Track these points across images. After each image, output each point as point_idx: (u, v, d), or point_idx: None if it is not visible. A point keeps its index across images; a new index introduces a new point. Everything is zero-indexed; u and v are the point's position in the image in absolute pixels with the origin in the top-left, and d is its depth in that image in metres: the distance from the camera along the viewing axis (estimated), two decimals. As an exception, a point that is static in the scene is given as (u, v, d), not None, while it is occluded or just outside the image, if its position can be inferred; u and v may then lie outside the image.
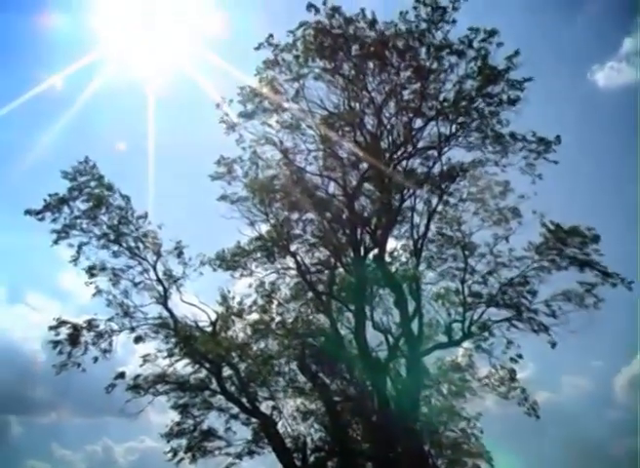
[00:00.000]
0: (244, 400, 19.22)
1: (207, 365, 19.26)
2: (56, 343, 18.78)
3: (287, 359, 19.48)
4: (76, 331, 18.85)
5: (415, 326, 18.82)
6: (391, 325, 19.51)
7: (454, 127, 19.10)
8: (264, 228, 19.31)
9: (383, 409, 18.44)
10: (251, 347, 19.33)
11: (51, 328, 18.88)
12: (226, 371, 19.32)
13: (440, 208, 19.51)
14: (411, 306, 18.94)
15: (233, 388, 19.33)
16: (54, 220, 18.67)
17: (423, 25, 18.80)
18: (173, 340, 19.16)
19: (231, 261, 19.18)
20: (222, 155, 19.02)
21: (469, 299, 19.12)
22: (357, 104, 19.05)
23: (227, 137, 19.26)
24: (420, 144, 19.31)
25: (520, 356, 17.94)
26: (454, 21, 18.76)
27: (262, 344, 19.47)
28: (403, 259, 19.66)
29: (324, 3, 18.72)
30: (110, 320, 19.00)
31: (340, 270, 19.58)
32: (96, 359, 18.91)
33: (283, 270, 19.69)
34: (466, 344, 19.46)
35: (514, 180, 19.68)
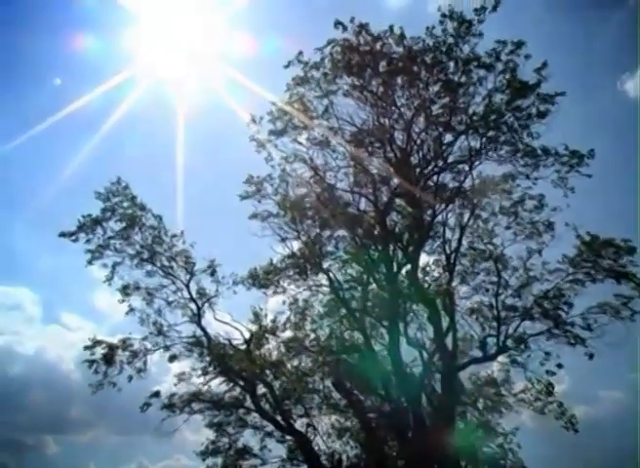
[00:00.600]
0: (279, 417, 19.92)
1: (241, 383, 20.02)
2: (91, 363, 19.64)
3: (321, 376, 20.19)
4: (111, 350, 19.71)
5: (449, 341, 19.43)
6: (425, 340, 20.13)
7: (484, 141, 19.73)
8: (296, 245, 20.08)
9: (419, 425, 18.99)
10: (285, 365, 20.06)
11: (86, 347, 19.76)
12: (261, 389, 20.07)
13: (472, 222, 20.14)
14: (445, 321, 19.54)
15: (268, 406, 20.05)
16: (88, 241, 19.58)
17: (450, 40, 19.50)
18: (207, 359, 19.95)
19: (264, 279, 19.96)
20: (251, 174, 19.80)
21: (503, 313, 19.68)
22: (386, 120, 19.78)
23: (256, 156, 20.06)
24: (451, 159, 19.96)
25: (560, 366, 18.35)
26: (480, 34, 19.45)
27: (296, 361, 20.22)
28: (436, 274, 20.32)
29: (351, 21, 19.49)
30: (144, 339, 19.86)
31: (373, 286, 20.26)
32: (130, 378, 19.76)
33: (316, 287, 20.44)
34: (501, 358, 20.00)
35: (546, 193, 20.26)
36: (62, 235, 19.50)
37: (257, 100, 19.25)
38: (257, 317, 20.47)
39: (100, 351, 19.71)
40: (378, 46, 19.68)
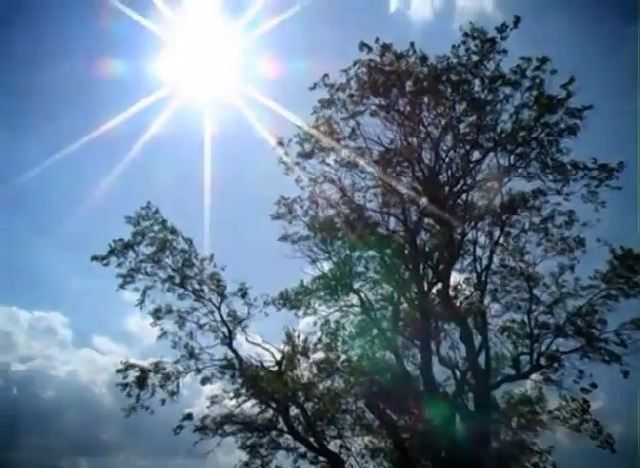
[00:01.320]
0: (312, 439, 20.85)
1: (274, 404, 20.98)
2: (124, 386, 20.71)
3: (354, 397, 21.08)
4: (143, 373, 20.77)
5: (482, 359, 20.28)
6: (458, 359, 20.92)
7: (512, 158, 20.63)
8: (327, 266, 21.03)
9: (453, 444, 19.76)
10: (317, 386, 21.00)
11: (118, 370, 20.85)
12: (293, 411, 21.00)
13: (502, 239, 20.99)
14: (477, 340, 20.41)
15: (301, 427, 20.98)
16: (119, 265, 20.66)
17: (475, 58, 20.43)
18: (239, 381, 20.94)
19: (295, 300, 20.94)
20: (282, 195, 20.85)
21: (536, 331, 20.53)
22: (414, 139, 20.75)
23: (283, 178, 21.11)
24: (480, 177, 20.88)
25: (594, 385, 19.10)
26: (504, 51, 20.36)
27: (329, 382, 21.14)
28: (467, 293, 21.18)
29: (375, 41, 20.52)
30: (176, 362, 20.91)
31: (404, 306, 21.16)
32: (163, 401, 20.79)
33: (347, 307, 21.37)
34: (535, 376, 20.79)
35: (577, 208, 21.06)
36: (94, 259, 20.62)
37: (283, 123, 20.31)
38: (288, 338, 21.44)
39: (132, 374, 20.77)
40: (403, 65, 20.66)
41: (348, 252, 21.02)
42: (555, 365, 20.24)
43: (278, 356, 21.19)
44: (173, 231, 21.02)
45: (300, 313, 21.41)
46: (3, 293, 41.06)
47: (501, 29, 20.04)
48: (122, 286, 20.60)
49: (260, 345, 21.16)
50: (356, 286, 21.07)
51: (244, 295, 21.06)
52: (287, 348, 21.46)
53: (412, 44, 20.31)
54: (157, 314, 20.82)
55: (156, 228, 20.97)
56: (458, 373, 20.89)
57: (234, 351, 20.99)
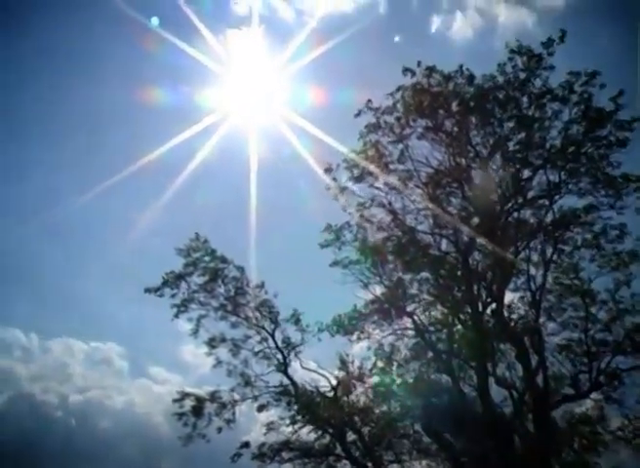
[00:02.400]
0: (369, 464, 22.29)
1: (330, 430, 22.43)
2: (180, 415, 22.28)
3: (410, 420, 22.42)
4: (199, 402, 22.38)
5: (539, 379, 21.45)
6: (515, 379, 22.20)
7: (563, 174, 21.90)
8: (379, 290, 22.45)
9: (513, 467, 20.94)
10: (373, 410, 22.42)
11: (175, 400, 22.50)
12: (350, 436, 22.44)
13: (555, 257, 22.27)
14: (534, 359, 21.64)
15: (358, 453, 22.43)
16: (172, 296, 22.28)
17: (522, 75, 21.72)
18: (295, 407, 22.44)
19: (349, 325, 22.37)
20: (329, 223, 22.36)
21: (594, 348, 21.68)
22: (463, 160, 22.13)
23: (332, 204, 22.65)
24: (530, 194, 22.17)
25: (658, 404, 20.21)
26: (552, 67, 21.62)
27: (385, 407, 22.50)
28: (522, 312, 22.45)
29: (418, 64, 21.96)
30: (232, 390, 22.52)
31: (459, 327, 22.50)
32: (220, 429, 22.33)
33: (401, 331, 22.81)
34: (595, 395, 21.92)
35: (629, 221, 22.19)
36: (148, 291, 22.31)
37: (329, 149, 21.82)
38: (343, 363, 22.87)
39: (188, 404, 22.39)
40: (449, 86, 22.01)
41: (400, 274, 22.39)
42: (615, 383, 21.34)
43: (333, 381, 22.65)
44: (223, 260, 22.62)
45: (354, 338, 22.82)
46: (59, 325, 43.72)
47: (548, 44, 21.23)
48: (176, 316, 22.22)
49: (314, 371, 22.65)
50: (410, 309, 22.47)
51: (297, 322, 22.53)
52: (342, 373, 22.89)
53: (461, 66, 21.59)
54: (212, 343, 22.41)
55: (207, 258, 22.58)
56: (515, 394, 22.09)
57: (289, 377, 22.47)
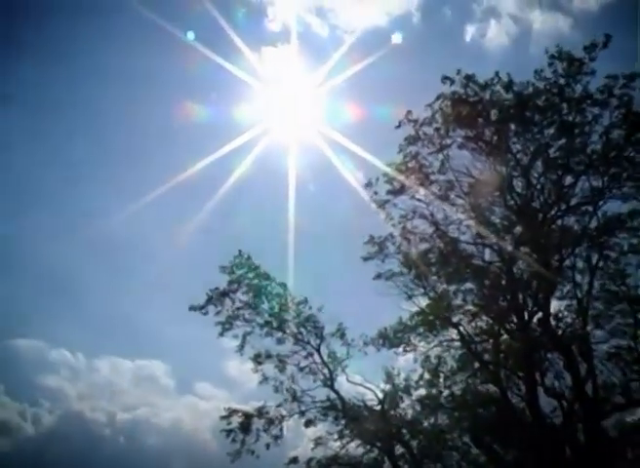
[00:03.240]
0: (418, 477, 23.22)
1: (378, 444, 23.53)
2: (228, 432, 23.51)
3: (459, 432, 23.39)
4: (247, 418, 23.63)
5: (589, 388, 22.24)
6: (564, 389, 23.02)
7: (606, 179, 22.74)
8: (423, 302, 23.49)
9: (564, 478, 21.78)
10: (421, 423, 23.43)
11: (222, 417, 23.73)
12: (399, 450, 23.57)
13: (601, 263, 23.08)
14: (582, 368, 22.49)
15: (407, 466, 23.51)
16: (217, 313, 23.53)
17: (562, 81, 22.62)
18: (342, 421, 23.55)
19: (394, 338, 23.44)
20: (372, 235, 23.46)
21: (644, 355, 22.39)
22: (504, 168, 23.12)
23: (372, 217, 23.75)
24: (573, 201, 23.12)
25: None
26: (592, 73, 22.47)
27: (433, 419, 23.51)
28: (569, 320, 23.29)
29: (457, 73, 22.97)
30: (279, 406, 23.67)
31: (505, 337, 23.44)
32: (268, 445, 23.52)
33: (447, 342, 23.86)
34: (648, 403, 22.58)
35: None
36: (192, 309, 23.61)
37: (368, 164, 22.97)
38: (389, 376, 23.95)
39: (236, 420, 23.63)
40: (487, 95, 23.01)
41: (444, 286, 23.40)
42: (669, 390, 22.04)
43: (380, 395, 23.74)
44: (267, 277, 23.84)
45: (400, 350, 23.90)
46: (105, 343, 45.64)
47: (590, 49, 22.09)
48: (222, 334, 23.46)
49: (361, 385, 23.80)
50: (455, 319, 23.48)
51: (342, 336, 23.67)
52: (388, 386, 23.98)
53: (497, 73, 22.55)
54: (257, 359, 23.62)
55: (250, 275, 23.79)
56: (565, 404, 22.90)
57: (336, 392, 23.65)
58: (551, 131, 23.05)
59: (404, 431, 23.61)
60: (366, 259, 23.70)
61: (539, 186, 23.21)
